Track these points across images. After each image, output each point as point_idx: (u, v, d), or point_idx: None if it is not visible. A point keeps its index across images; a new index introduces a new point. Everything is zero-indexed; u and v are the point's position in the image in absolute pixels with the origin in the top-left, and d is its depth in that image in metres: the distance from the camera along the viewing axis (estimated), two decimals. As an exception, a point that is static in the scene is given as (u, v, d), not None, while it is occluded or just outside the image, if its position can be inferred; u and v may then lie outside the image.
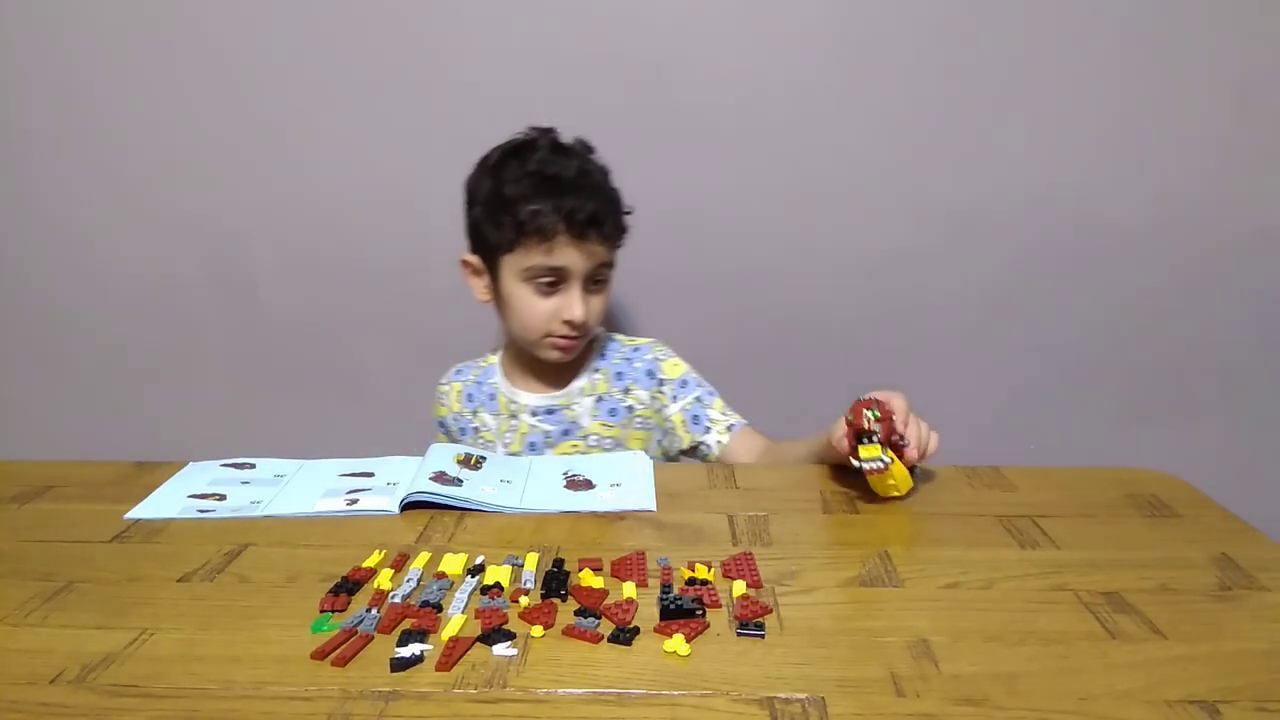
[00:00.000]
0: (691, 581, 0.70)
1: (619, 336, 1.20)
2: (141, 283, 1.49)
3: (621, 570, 0.71)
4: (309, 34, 1.35)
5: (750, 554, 0.74)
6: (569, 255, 1.02)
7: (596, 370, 1.15)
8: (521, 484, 0.90)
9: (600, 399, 1.14)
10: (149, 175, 1.43)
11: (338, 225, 1.45)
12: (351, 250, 1.46)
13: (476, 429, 1.18)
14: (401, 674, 0.58)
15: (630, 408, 1.14)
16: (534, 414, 1.14)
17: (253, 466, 0.97)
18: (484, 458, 0.95)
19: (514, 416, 1.15)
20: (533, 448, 1.14)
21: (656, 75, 1.34)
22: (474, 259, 1.10)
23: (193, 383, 1.55)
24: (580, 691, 0.56)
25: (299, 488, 0.90)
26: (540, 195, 1.01)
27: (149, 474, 0.94)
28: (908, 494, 0.85)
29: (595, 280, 1.07)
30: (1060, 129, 1.35)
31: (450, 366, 1.24)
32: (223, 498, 0.88)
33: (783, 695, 0.55)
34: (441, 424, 1.23)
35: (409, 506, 0.85)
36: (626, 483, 0.90)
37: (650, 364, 1.16)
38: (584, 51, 1.34)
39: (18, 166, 1.45)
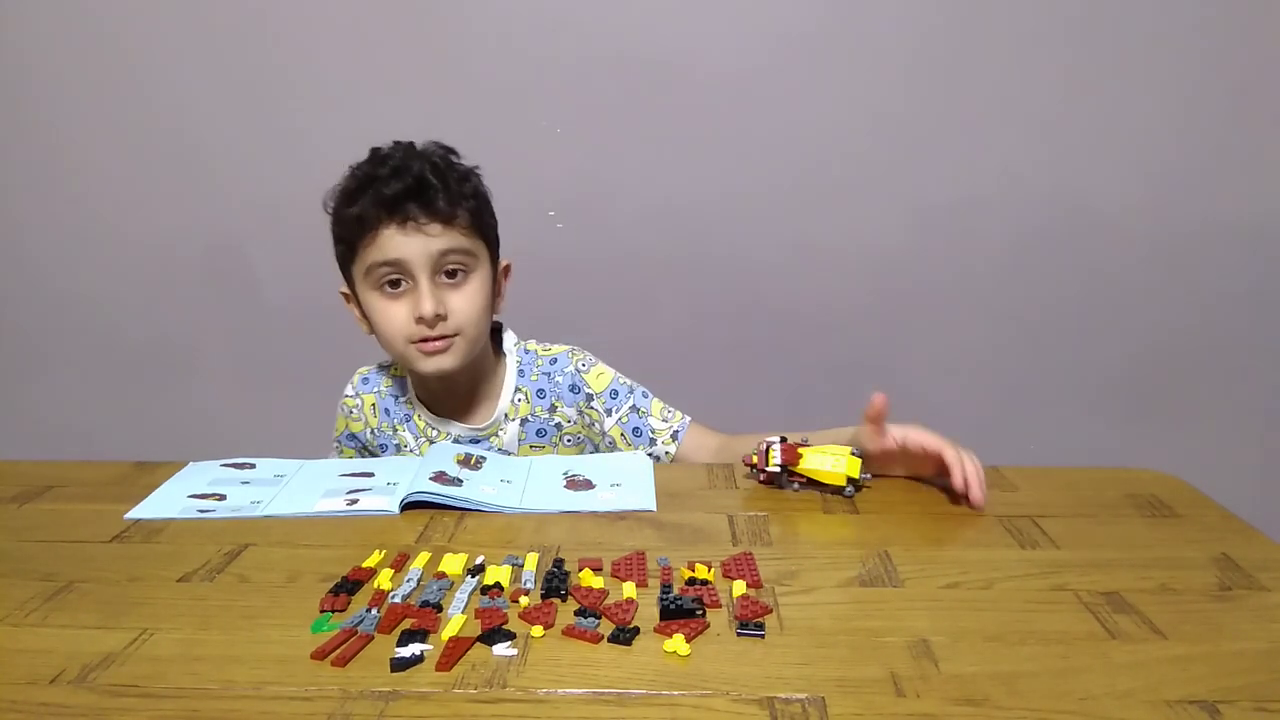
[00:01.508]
0: (691, 581, 0.70)
1: (532, 346, 1.12)
2: (142, 283, 1.50)
3: (621, 570, 0.71)
4: (311, 34, 1.35)
5: (750, 554, 0.74)
6: (396, 244, 0.95)
7: (517, 390, 1.08)
8: (521, 484, 0.90)
9: (525, 421, 1.08)
10: (149, 176, 1.44)
11: (338, 225, 1.45)
12: (351, 250, 1.46)
13: (398, 446, 1.10)
14: (401, 674, 0.58)
15: (558, 425, 1.09)
16: (456, 441, 1.07)
17: (253, 466, 0.97)
18: (484, 458, 0.95)
19: (433, 442, 1.08)
20: None
21: (656, 74, 1.34)
22: (345, 289, 1.05)
23: (193, 383, 1.55)
24: (580, 691, 0.56)
25: (299, 488, 0.90)
26: (360, 193, 0.97)
27: (149, 474, 0.94)
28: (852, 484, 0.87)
29: (449, 272, 0.98)
30: (1063, 129, 1.36)
31: (351, 374, 1.15)
32: (223, 498, 0.88)
33: (783, 695, 0.55)
34: (353, 438, 1.14)
35: (409, 506, 0.85)
36: (626, 483, 0.90)
37: (572, 377, 1.08)
38: (584, 51, 1.34)
39: (18, 167, 1.45)
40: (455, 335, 0.99)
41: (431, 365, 0.99)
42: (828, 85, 1.34)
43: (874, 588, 0.69)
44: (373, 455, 1.13)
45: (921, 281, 1.44)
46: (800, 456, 0.87)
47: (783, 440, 0.88)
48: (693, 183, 1.39)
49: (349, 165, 1.01)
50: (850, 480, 0.85)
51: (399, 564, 0.74)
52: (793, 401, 1.50)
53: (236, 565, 0.74)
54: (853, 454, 0.86)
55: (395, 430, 1.11)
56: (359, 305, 1.03)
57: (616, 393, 1.08)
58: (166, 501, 0.87)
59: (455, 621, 0.64)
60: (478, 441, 1.08)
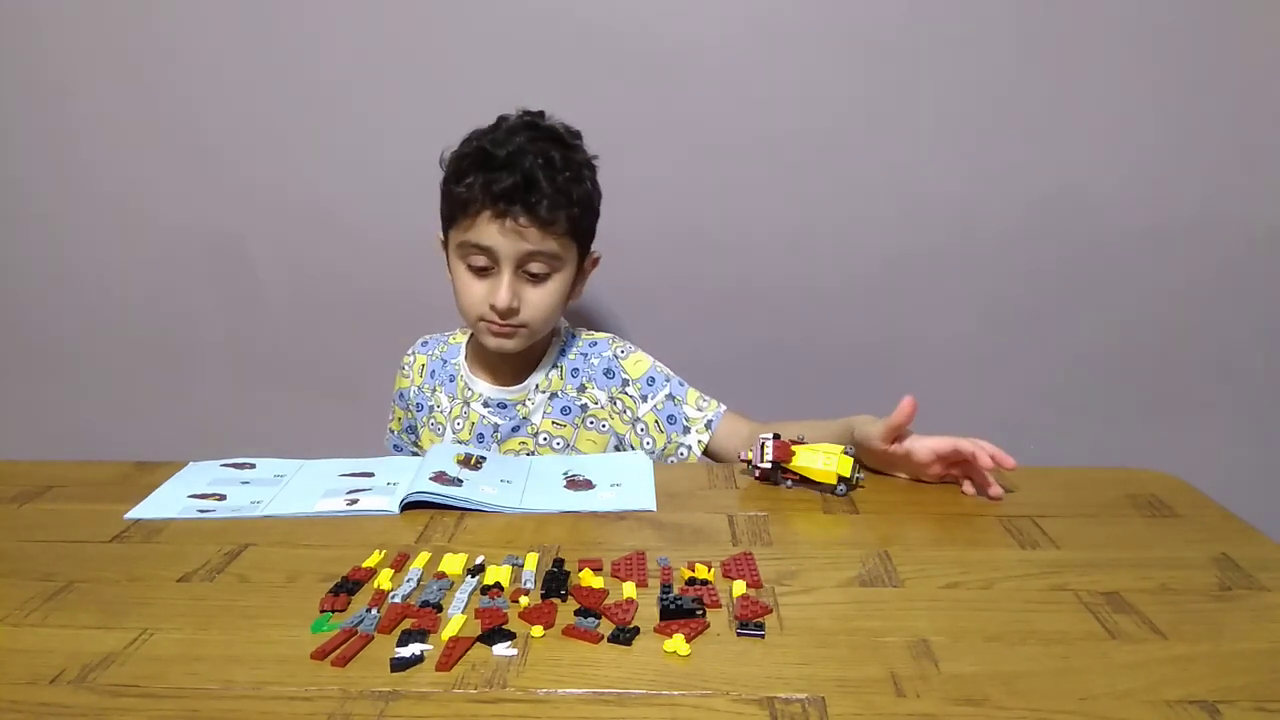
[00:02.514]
0: (691, 581, 0.70)
1: (580, 331, 1.16)
2: (142, 282, 1.50)
3: (621, 570, 0.71)
4: (310, 34, 1.35)
5: (750, 554, 0.74)
6: (491, 234, 0.98)
7: (554, 366, 1.11)
8: (521, 484, 0.90)
9: (554, 396, 1.10)
10: (149, 176, 1.43)
11: (338, 225, 1.45)
12: (352, 250, 1.46)
13: (432, 408, 1.15)
14: (401, 674, 0.58)
15: (584, 406, 1.10)
16: (485, 405, 1.11)
17: (253, 466, 0.97)
18: (484, 458, 0.95)
19: (467, 404, 1.12)
20: (481, 439, 1.12)
21: (657, 78, 1.34)
22: (440, 235, 1.09)
23: (193, 383, 1.55)
24: (580, 691, 0.56)
25: (299, 488, 0.90)
26: (473, 169, 0.98)
27: (149, 474, 0.94)
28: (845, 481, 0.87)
29: (531, 270, 1.01)
30: (1063, 131, 1.35)
31: (417, 337, 1.22)
32: (223, 498, 0.88)
33: (783, 695, 0.55)
34: (401, 396, 1.20)
35: (409, 506, 0.85)
36: (626, 483, 0.90)
37: (609, 362, 1.11)
38: (584, 52, 1.34)
39: (18, 168, 1.44)
40: (522, 326, 1.03)
41: (494, 344, 1.05)
42: (830, 88, 1.34)
43: (874, 588, 0.69)
44: (414, 417, 1.18)
45: (922, 282, 1.43)
46: (793, 454, 0.88)
47: (776, 437, 0.89)
48: (692, 189, 1.39)
49: (472, 128, 1.04)
50: (842, 479, 0.86)
51: (399, 564, 0.74)
52: (788, 400, 1.49)
53: (236, 565, 0.74)
54: (845, 453, 0.86)
55: (435, 391, 1.15)
56: (446, 256, 1.08)
57: (653, 380, 1.10)
58: (166, 501, 0.87)
59: (455, 621, 0.64)
60: (505, 406, 1.11)
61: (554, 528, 0.81)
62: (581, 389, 1.11)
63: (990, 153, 1.37)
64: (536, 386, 1.11)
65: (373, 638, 0.62)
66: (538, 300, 1.02)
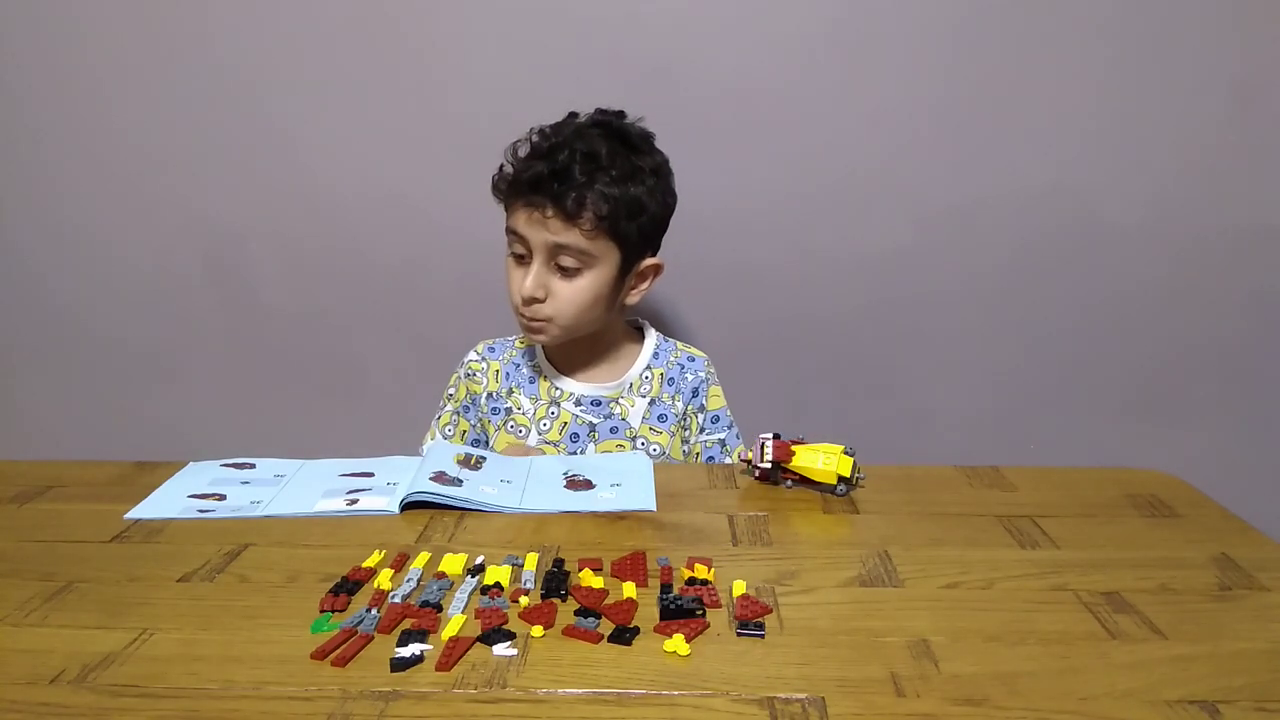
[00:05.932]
0: (691, 581, 0.70)
1: (676, 342, 1.17)
2: (142, 282, 1.50)
3: (621, 570, 0.71)
4: (309, 33, 1.35)
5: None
6: (520, 220, 1.00)
7: (648, 368, 1.12)
8: (521, 484, 0.90)
9: (653, 402, 1.11)
10: (149, 175, 1.43)
11: (337, 224, 1.45)
12: (351, 249, 1.46)
13: (509, 410, 1.13)
14: (401, 674, 0.58)
15: (674, 415, 1.12)
16: (578, 404, 1.10)
17: (253, 466, 0.97)
18: (484, 458, 0.95)
19: (555, 404, 1.11)
20: (575, 439, 1.10)
21: (656, 75, 1.34)
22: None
23: (193, 383, 1.55)
24: (580, 691, 0.56)
25: (299, 488, 0.90)
26: (517, 159, 1.01)
27: (149, 474, 0.94)
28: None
29: (561, 264, 1.00)
30: (1061, 128, 1.36)
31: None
32: (223, 498, 0.88)
33: (783, 695, 0.55)
34: (470, 407, 1.15)
35: (409, 506, 0.85)
36: (626, 483, 0.90)
37: (700, 382, 1.13)
38: (583, 51, 1.34)
39: (18, 167, 1.45)
40: (548, 320, 1.03)
41: (529, 338, 1.07)
42: (830, 87, 1.34)
43: (874, 588, 0.69)
44: (483, 423, 1.15)
45: (922, 281, 1.43)
46: (793, 454, 0.88)
47: (776, 437, 0.89)
48: (694, 187, 1.39)
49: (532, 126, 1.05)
50: (842, 479, 0.86)
51: (399, 564, 0.74)
52: (791, 403, 1.50)
53: (236, 565, 0.74)
54: (845, 452, 0.86)
55: (511, 393, 1.13)
56: None
57: (718, 419, 1.13)
58: (166, 501, 0.87)
59: (455, 621, 0.64)
60: (599, 404, 1.11)
61: (554, 528, 0.81)
62: (674, 398, 1.12)
63: (989, 152, 1.37)
64: (631, 386, 1.10)
65: (373, 638, 0.62)
66: (566, 295, 1.01)
